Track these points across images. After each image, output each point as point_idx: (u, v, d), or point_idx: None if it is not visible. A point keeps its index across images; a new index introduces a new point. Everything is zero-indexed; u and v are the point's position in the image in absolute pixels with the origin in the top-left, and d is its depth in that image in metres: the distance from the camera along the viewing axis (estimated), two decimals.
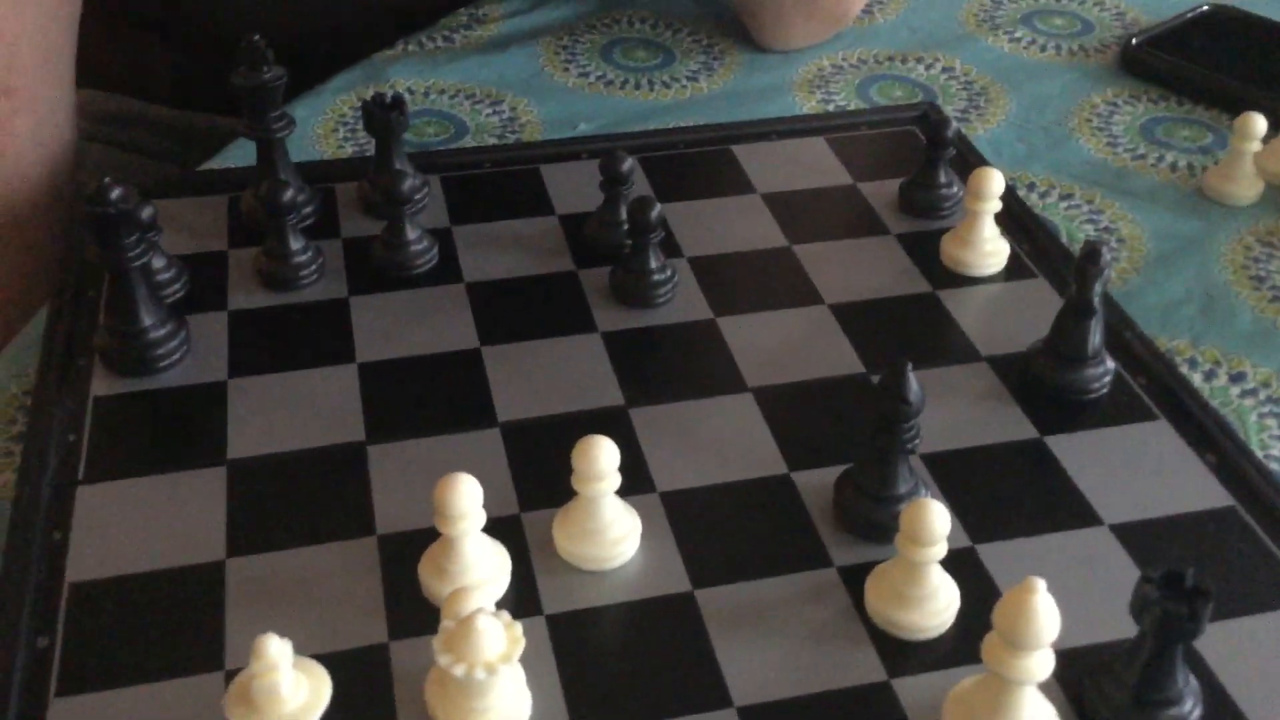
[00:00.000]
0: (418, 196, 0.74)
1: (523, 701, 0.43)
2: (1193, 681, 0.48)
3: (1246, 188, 0.81)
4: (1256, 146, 0.81)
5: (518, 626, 0.42)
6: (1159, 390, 0.64)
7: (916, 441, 0.54)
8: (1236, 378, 0.67)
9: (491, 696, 0.42)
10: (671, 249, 0.73)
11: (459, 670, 0.40)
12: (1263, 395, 0.66)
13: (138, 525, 0.55)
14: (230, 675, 0.48)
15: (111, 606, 0.52)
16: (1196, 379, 0.67)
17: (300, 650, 0.40)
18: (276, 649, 0.38)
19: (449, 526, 0.51)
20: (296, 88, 0.88)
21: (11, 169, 0.83)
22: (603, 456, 0.52)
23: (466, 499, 0.50)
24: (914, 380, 0.53)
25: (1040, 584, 0.44)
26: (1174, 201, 0.82)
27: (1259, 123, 0.80)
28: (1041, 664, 0.45)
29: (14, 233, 0.84)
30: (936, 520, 0.49)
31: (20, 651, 0.49)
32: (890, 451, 0.54)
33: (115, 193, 0.59)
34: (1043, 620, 0.43)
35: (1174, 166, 0.85)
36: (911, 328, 0.68)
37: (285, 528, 0.55)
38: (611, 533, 0.54)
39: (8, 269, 0.84)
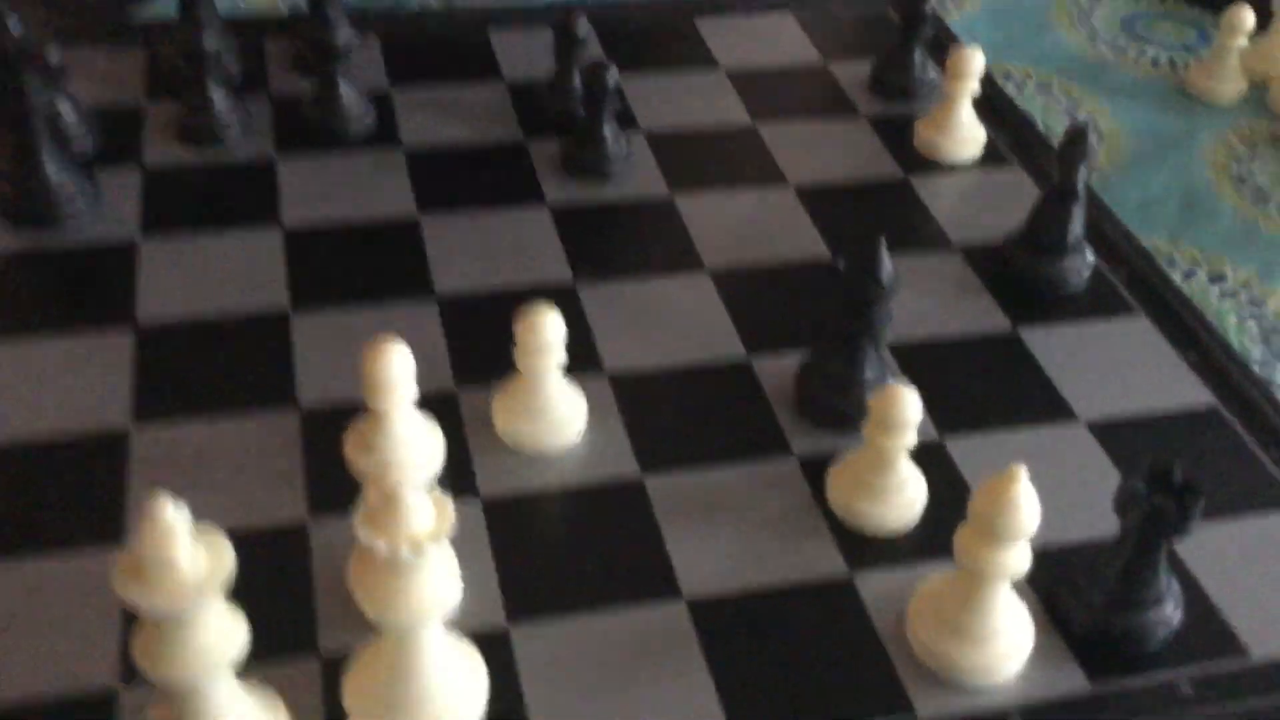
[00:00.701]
0: (352, 51, 0.68)
1: (453, 587, 0.39)
2: (1174, 585, 0.45)
3: (1231, 85, 0.78)
4: (1243, 42, 0.77)
5: (449, 502, 0.38)
6: (1139, 285, 0.60)
7: (887, 325, 0.50)
8: (1216, 278, 0.64)
9: (418, 578, 0.38)
10: (628, 122, 0.68)
11: (381, 547, 0.36)
12: (1244, 297, 0.63)
13: (33, 389, 0.50)
14: None
15: (2, 475, 0.47)
16: (1175, 279, 0.63)
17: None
18: (170, 515, 0.34)
19: (377, 398, 0.46)
20: None
21: None
22: (548, 327, 0.48)
23: (396, 367, 0.45)
24: (888, 259, 0.49)
25: (1023, 471, 0.40)
26: (1155, 98, 0.78)
27: (1248, 16, 0.76)
28: (1018, 559, 0.41)
29: None
30: (907, 405, 0.45)
31: None
32: (859, 335, 0.50)
33: (14, 24, 0.54)
34: (1024, 511, 0.40)
35: (1155, 62, 0.82)
36: (881, 213, 0.64)
37: (198, 396, 0.50)
38: (555, 412, 0.50)
39: None
